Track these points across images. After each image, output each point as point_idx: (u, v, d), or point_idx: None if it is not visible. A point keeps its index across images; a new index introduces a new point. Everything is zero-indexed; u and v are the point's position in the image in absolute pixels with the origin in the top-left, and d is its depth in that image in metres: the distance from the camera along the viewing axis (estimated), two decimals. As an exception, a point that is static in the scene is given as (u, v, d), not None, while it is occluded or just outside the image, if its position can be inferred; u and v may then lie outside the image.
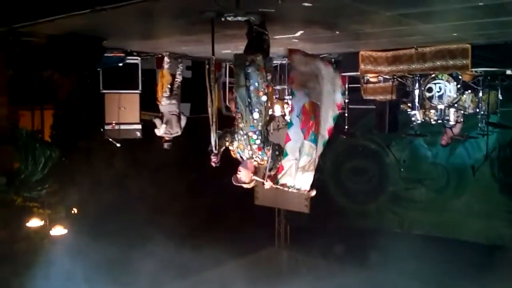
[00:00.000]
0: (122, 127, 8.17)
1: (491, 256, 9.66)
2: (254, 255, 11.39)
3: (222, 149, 4.93)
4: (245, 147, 4.83)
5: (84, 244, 8.70)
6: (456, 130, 8.16)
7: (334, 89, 4.98)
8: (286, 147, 4.75)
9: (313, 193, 5.38)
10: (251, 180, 4.91)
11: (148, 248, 9.07)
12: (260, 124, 4.75)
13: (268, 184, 4.87)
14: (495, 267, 9.11)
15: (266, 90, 4.79)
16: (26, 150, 7.15)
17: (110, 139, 8.22)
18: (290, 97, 4.87)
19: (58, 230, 8.60)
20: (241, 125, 4.80)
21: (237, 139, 4.84)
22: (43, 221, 8.53)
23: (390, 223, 11.57)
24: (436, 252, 9.96)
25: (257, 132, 4.74)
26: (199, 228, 10.13)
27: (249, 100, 4.71)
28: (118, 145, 8.32)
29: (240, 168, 4.89)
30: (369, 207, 11.81)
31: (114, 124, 8.07)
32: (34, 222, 8.43)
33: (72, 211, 9.66)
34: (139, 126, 8.33)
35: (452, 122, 7.76)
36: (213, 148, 4.82)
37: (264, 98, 4.75)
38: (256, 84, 4.70)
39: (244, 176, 4.86)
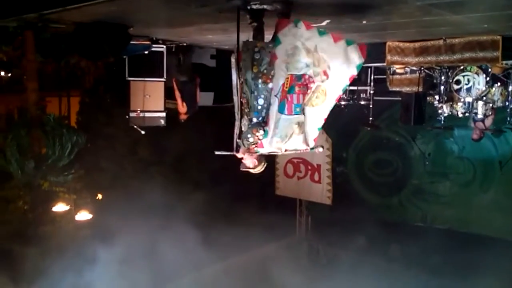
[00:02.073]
0: (147, 114, 8.25)
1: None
2: (275, 244, 11.42)
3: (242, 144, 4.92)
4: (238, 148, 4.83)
5: (108, 229, 8.84)
6: (488, 122, 7.96)
7: (347, 63, 4.82)
8: (266, 128, 4.71)
9: (320, 149, 5.33)
10: (255, 166, 4.92)
11: (169, 235, 9.17)
12: (264, 110, 4.73)
13: (240, 154, 4.84)
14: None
15: (273, 78, 4.76)
16: (54, 136, 7.28)
17: (135, 127, 8.32)
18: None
19: (83, 215, 8.76)
20: (246, 110, 4.79)
21: (243, 125, 4.82)
22: (69, 205, 8.70)
23: (413, 216, 11.47)
24: (459, 247, 9.84)
25: (260, 118, 4.72)
26: (220, 217, 10.19)
27: (255, 86, 4.70)
28: (143, 132, 8.42)
29: (245, 155, 4.90)
30: (392, 200, 11.71)
31: (139, 112, 8.16)
32: (60, 207, 8.60)
33: (97, 197, 9.83)
34: (163, 114, 8.40)
35: (480, 116, 7.61)
36: (236, 137, 4.83)
37: (270, 85, 4.72)
38: (265, 71, 4.68)
39: (248, 162, 4.88)
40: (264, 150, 4.81)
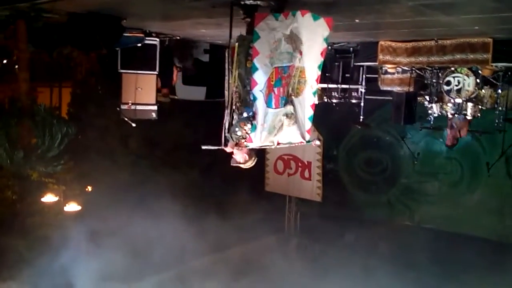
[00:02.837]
0: (138, 107, 8.24)
1: (502, 253, 9.59)
2: (263, 240, 11.46)
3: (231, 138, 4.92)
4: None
5: (97, 221, 8.82)
6: (464, 133, 7.96)
7: (316, 39, 4.83)
8: (254, 122, 4.71)
9: (317, 142, 5.36)
10: (246, 160, 4.93)
11: (158, 228, 9.18)
12: (255, 104, 4.74)
13: (228, 149, 4.85)
14: (506, 265, 9.04)
15: None
16: (44, 126, 7.23)
17: (126, 119, 8.30)
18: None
19: (72, 206, 8.74)
20: (238, 105, 4.81)
21: (235, 118, 4.83)
22: (58, 197, 8.67)
23: (401, 215, 11.55)
24: (446, 246, 9.93)
25: (250, 113, 4.73)
26: (209, 212, 10.20)
27: (247, 80, 4.70)
28: (134, 125, 8.40)
29: (235, 150, 4.91)
30: (380, 199, 11.78)
31: (130, 104, 8.15)
32: (49, 198, 8.58)
33: (86, 188, 9.80)
34: (155, 107, 8.39)
35: (469, 117, 7.68)
36: (226, 131, 4.84)
37: None
38: None
39: (238, 157, 4.89)
40: (254, 145, 4.81)
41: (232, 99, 4.79)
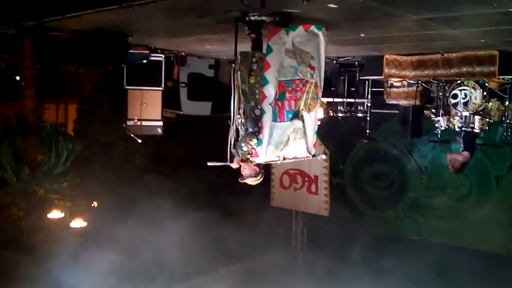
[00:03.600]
0: (144, 123, 8.26)
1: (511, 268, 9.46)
2: (270, 256, 11.37)
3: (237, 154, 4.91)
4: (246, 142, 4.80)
5: (103, 237, 8.80)
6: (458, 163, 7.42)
7: (321, 52, 4.81)
8: (260, 136, 4.69)
9: (323, 156, 5.33)
10: (257, 173, 4.89)
11: (163, 244, 9.13)
12: (261, 120, 4.73)
13: (234, 165, 4.81)
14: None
15: None
16: (50, 143, 7.26)
17: (132, 135, 8.32)
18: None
19: (78, 223, 8.73)
20: (242, 120, 4.80)
21: (240, 135, 4.82)
22: (64, 213, 8.67)
23: (409, 230, 11.41)
24: (454, 261, 9.78)
25: (255, 128, 4.72)
26: (216, 227, 10.15)
27: (252, 96, 4.70)
28: (140, 141, 8.41)
29: (243, 165, 4.87)
30: (388, 213, 11.67)
31: (136, 120, 8.16)
32: (55, 214, 8.57)
33: (92, 205, 9.80)
34: (161, 123, 8.40)
35: (477, 130, 7.60)
36: (232, 147, 4.83)
37: None
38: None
39: (248, 171, 4.85)
40: (260, 159, 4.78)
41: (237, 115, 4.78)
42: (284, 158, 4.91)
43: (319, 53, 4.78)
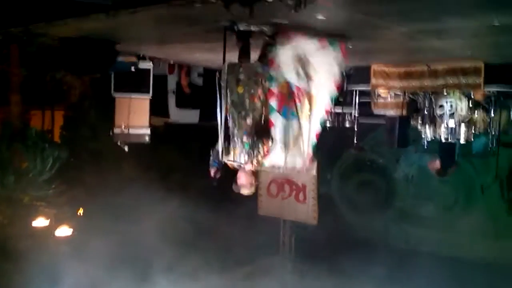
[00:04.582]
0: (131, 131, 8.21)
1: (498, 277, 9.52)
2: (258, 265, 11.32)
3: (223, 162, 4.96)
4: (240, 152, 4.83)
5: (88, 245, 8.71)
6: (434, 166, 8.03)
7: (332, 70, 4.89)
8: (271, 133, 4.76)
9: (313, 172, 5.47)
10: (252, 184, 4.92)
11: (150, 252, 9.06)
12: (254, 129, 4.75)
13: (248, 166, 4.84)
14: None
15: (261, 97, 4.81)
16: (35, 150, 7.21)
17: (119, 143, 8.26)
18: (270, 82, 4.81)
19: (64, 230, 8.63)
20: (235, 132, 4.82)
21: (232, 147, 4.84)
22: (49, 220, 8.57)
23: (397, 239, 11.47)
24: (442, 270, 9.83)
25: (249, 137, 4.75)
26: (202, 236, 10.10)
27: (242, 106, 4.74)
28: (126, 149, 8.36)
29: (240, 173, 4.90)
30: (375, 222, 11.72)
31: (123, 128, 8.12)
32: (40, 221, 8.46)
33: (78, 212, 9.69)
34: (148, 131, 8.36)
35: (462, 141, 7.70)
36: (220, 156, 4.84)
37: (258, 104, 4.78)
38: (252, 90, 4.73)
39: (244, 180, 4.87)
40: (267, 162, 4.80)
41: (225, 125, 4.80)
42: (286, 168, 4.96)
43: (326, 67, 4.84)
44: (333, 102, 5.07)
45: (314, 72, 4.79)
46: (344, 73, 8.54)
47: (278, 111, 4.79)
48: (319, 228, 11.28)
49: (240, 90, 4.72)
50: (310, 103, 4.88)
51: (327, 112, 5.02)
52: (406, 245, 11.28)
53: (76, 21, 4.87)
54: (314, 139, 4.99)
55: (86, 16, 4.69)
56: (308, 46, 4.77)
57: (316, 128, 5.00)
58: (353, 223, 12.01)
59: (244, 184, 4.90)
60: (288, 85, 4.76)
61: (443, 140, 7.83)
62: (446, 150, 7.95)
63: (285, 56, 4.75)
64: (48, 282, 7.92)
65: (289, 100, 4.78)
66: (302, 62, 4.75)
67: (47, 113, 9.81)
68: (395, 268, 9.89)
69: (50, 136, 9.17)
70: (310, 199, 11.39)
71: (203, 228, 10.41)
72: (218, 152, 4.89)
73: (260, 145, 4.71)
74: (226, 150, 4.88)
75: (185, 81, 9.30)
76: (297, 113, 4.83)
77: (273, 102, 4.81)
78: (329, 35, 4.90)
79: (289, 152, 4.90)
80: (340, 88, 5.07)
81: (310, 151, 5.01)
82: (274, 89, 4.81)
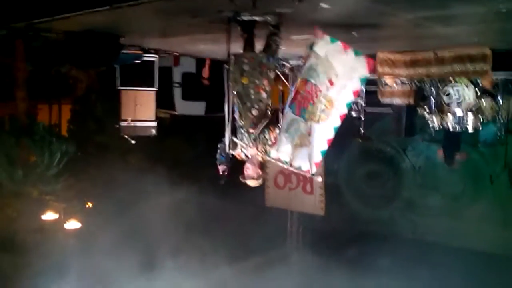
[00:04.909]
0: (138, 124, 8.24)
1: (507, 267, 9.48)
2: (265, 256, 11.35)
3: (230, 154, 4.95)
4: (247, 144, 4.81)
5: (97, 237, 8.76)
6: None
7: (352, 73, 4.80)
8: (281, 122, 4.72)
9: (319, 179, 5.36)
10: (259, 176, 4.90)
11: (159, 244, 9.11)
12: (260, 120, 4.74)
13: (252, 150, 4.81)
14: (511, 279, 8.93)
15: (267, 88, 4.79)
16: (43, 145, 7.27)
17: (125, 136, 8.29)
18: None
19: (72, 224, 8.70)
20: (241, 123, 4.80)
21: (239, 138, 4.82)
22: (58, 214, 8.64)
23: (404, 229, 11.43)
24: (450, 260, 9.80)
25: (255, 129, 4.73)
26: (210, 227, 10.13)
27: (247, 97, 4.72)
28: (133, 142, 8.40)
29: (247, 164, 4.88)
30: (382, 212, 11.68)
31: (129, 121, 8.14)
32: (49, 215, 8.54)
33: (87, 205, 9.76)
34: (155, 124, 8.39)
35: (470, 129, 7.62)
36: (227, 149, 4.84)
37: (264, 95, 4.77)
38: (256, 81, 4.70)
39: (252, 171, 4.86)
40: (273, 154, 4.75)
41: (232, 117, 4.79)
42: (291, 165, 4.88)
43: (349, 76, 4.75)
44: (347, 107, 4.97)
45: (335, 77, 4.72)
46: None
47: (289, 105, 4.72)
48: (326, 218, 11.27)
49: (245, 81, 4.71)
50: (327, 108, 4.80)
51: (341, 118, 4.92)
52: (413, 235, 11.25)
53: (80, 15, 4.86)
54: (325, 146, 4.88)
55: (90, 10, 4.68)
56: (332, 48, 4.67)
57: (329, 135, 4.89)
58: (360, 213, 11.98)
59: (252, 175, 4.88)
60: (305, 82, 4.67)
61: (451, 129, 7.75)
62: (449, 138, 7.87)
63: (315, 55, 4.64)
64: (57, 275, 7.99)
65: (302, 97, 4.67)
66: (325, 64, 4.68)
67: (54, 107, 9.87)
68: (402, 258, 9.88)
69: (57, 130, 9.22)
70: (317, 189, 11.36)
71: (210, 220, 10.45)
72: (225, 145, 4.88)
73: (266, 131, 4.70)
74: (233, 144, 4.87)
75: (207, 73, 9.21)
76: (308, 113, 4.73)
77: (290, 96, 4.69)
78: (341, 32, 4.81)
79: (295, 150, 4.81)
80: (357, 94, 4.94)
81: (319, 158, 4.91)
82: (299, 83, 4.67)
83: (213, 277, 9.84)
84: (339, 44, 4.64)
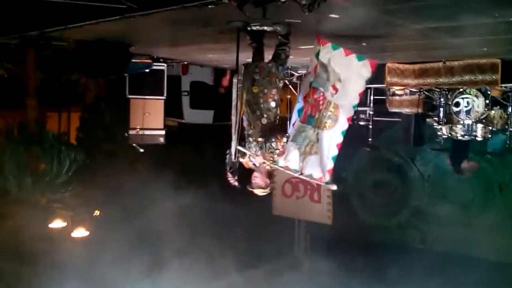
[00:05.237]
0: (146, 132, 8.27)
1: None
2: (273, 265, 11.30)
3: (237, 164, 4.95)
4: (255, 153, 4.82)
5: (105, 246, 8.76)
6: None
7: (357, 80, 4.82)
8: (289, 130, 4.75)
9: (334, 187, 5.32)
10: (267, 185, 4.90)
11: (166, 252, 9.10)
12: (268, 129, 4.75)
13: (259, 159, 4.81)
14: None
15: (275, 97, 4.80)
16: (52, 153, 7.30)
17: (134, 145, 8.32)
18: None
19: (80, 232, 8.70)
20: (249, 132, 4.81)
21: (247, 147, 4.83)
22: (66, 222, 8.65)
23: (412, 238, 11.36)
24: (459, 270, 9.73)
25: (264, 138, 4.74)
26: (218, 236, 10.11)
27: (256, 106, 4.73)
28: (142, 150, 8.42)
29: (255, 173, 4.88)
30: (391, 222, 11.62)
31: (138, 129, 8.18)
32: (57, 223, 8.56)
33: (95, 214, 9.78)
34: (163, 132, 8.42)
35: (479, 138, 7.59)
36: (232, 157, 4.84)
37: (273, 104, 4.77)
38: (266, 90, 4.73)
39: (260, 180, 4.86)
40: (281, 162, 4.76)
41: (240, 125, 4.79)
42: (302, 173, 4.89)
43: (349, 78, 4.78)
44: (354, 109, 4.99)
45: (338, 82, 4.74)
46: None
47: (297, 114, 4.74)
48: (334, 228, 11.23)
49: (256, 90, 4.73)
50: (333, 114, 4.82)
51: (349, 120, 4.94)
52: (422, 244, 11.18)
53: (93, 24, 4.91)
54: (335, 151, 4.89)
55: (103, 19, 4.72)
56: (334, 54, 4.70)
57: (338, 140, 4.90)
58: (368, 222, 11.92)
59: (260, 184, 4.88)
60: (314, 90, 4.70)
61: (459, 138, 7.72)
62: (457, 146, 7.85)
63: (321, 63, 4.68)
64: (65, 283, 7.99)
65: (310, 105, 4.70)
66: (328, 71, 4.71)
67: (63, 115, 9.94)
68: (410, 268, 9.81)
69: (66, 138, 9.27)
70: (324, 198, 11.33)
71: (218, 228, 10.43)
72: (231, 154, 4.88)
73: (273, 140, 4.70)
74: (242, 152, 4.88)
75: (227, 83, 9.29)
76: (315, 121, 4.75)
77: (298, 103, 4.77)
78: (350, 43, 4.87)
79: (305, 158, 4.82)
80: (361, 96, 4.99)
81: (331, 164, 4.91)
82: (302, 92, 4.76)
83: (220, 284, 9.82)
84: (341, 50, 4.69)
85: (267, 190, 4.96)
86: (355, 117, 9.32)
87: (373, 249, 10.80)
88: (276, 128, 4.87)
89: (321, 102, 4.75)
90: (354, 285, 9.85)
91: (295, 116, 4.78)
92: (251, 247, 10.32)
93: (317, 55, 4.66)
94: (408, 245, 11.17)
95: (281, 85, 4.93)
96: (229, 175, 4.91)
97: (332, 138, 4.83)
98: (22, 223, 8.75)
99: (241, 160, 4.95)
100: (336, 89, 4.76)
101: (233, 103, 4.86)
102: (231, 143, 4.90)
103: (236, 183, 4.93)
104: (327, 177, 4.92)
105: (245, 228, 10.75)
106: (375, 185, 11.86)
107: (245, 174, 5.12)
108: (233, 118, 4.87)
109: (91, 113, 10.20)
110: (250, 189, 4.93)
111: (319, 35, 4.69)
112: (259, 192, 4.95)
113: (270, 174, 4.93)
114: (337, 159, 4.92)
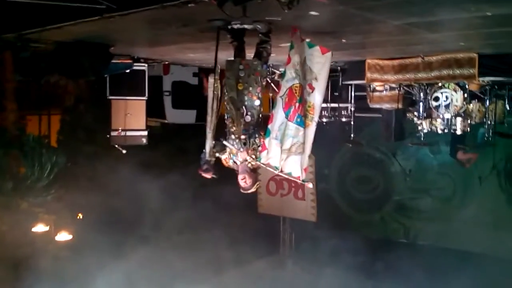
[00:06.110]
0: (128, 133, 8.22)
1: (497, 269, 9.55)
2: (258, 263, 11.33)
3: (213, 161, 4.95)
4: (237, 151, 4.83)
5: (89, 248, 8.68)
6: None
7: (325, 74, 4.78)
8: (269, 126, 4.71)
9: (310, 185, 5.36)
10: (255, 181, 4.93)
11: (150, 255, 9.05)
12: (251, 127, 4.77)
13: (243, 155, 4.81)
14: (502, 280, 8.99)
15: (259, 94, 4.83)
16: (33, 156, 7.18)
17: (116, 146, 8.26)
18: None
19: (63, 236, 8.60)
20: (232, 129, 4.82)
21: (228, 144, 4.83)
22: (48, 226, 8.53)
23: (395, 232, 11.50)
24: (441, 263, 9.88)
25: (247, 135, 4.75)
26: (202, 236, 10.09)
27: (241, 103, 4.75)
28: (124, 151, 8.36)
29: (241, 175, 4.88)
30: (374, 216, 11.75)
31: (120, 131, 8.12)
32: (39, 227, 8.43)
33: (78, 217, 9.67)
34: (145, 133, 8.37)
35: (459, 132, 7.72)
36: (207, 156, 4.85)
37: (257, 102, 4.81)
38: (250, 88, 4.74)
39: (248, 181, 4.88)
40: (264, 156, 4.75)
41: (214, 124, 4.79)
42: (282, 171, 4.89)
43: (324, 76, 4.80)
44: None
45: (315, 81, 4.76)
46: (338, 68, 8.59)
47: (284, 110, 4.71)
48: (318, 224, 11.30)
49: (240, 87, 4.74)
50: (311, 113, 4.83)
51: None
52: (406, 238, 11.31)
53: (72, 25, 4.86)
54: (310, 150, 4.92)
55: (82, 20, 4.68)
56: (310, 52, 4.70)
57: (312, 139, 4.93)
58: (352, 218, 12.02)
59: (250, 185, 4.91)
60: (301, 87, 4.68)
61: (439, 132, 7.84)
62: (453, 139, 8.12)
63: (296, 52, 4.66)
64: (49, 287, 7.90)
65: (299, 103, 4.68)
66: (306, 69, 4.72)
67: (44, 118, 9.78)
68: (394, 262, 9.92)
69: (47, 141, 9.12)
70: (308, 195, 11.40)
71: (203, 227, 10.41)
72: (205, 153, 4.88)
73: (257, 136, 4.72)
74: (221, 148, 4.89)
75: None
76: (305, 120, 4.74)
77: (280, 99, 4.68)
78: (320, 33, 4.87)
79: (288, 156, 4.82)
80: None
81: (307, 161, 4.94)
82: (286, 86, 4.67)
83: (206, 284, 9.82)
84: (317, 48, 4.71)
85: (255, 187, 4.98)
86: (336, 114, 9.43)
87: (356, 244, 10.88)
88: (260, 125, 4.89)
89: (303, 100, 4.76)
90: (339, 280, 9.92)
91: (281, 115, 4.74)
92: (236, 244, 10.32)
93: (291, 46, 4.66)
94: (392, 239, 11.30)
95: (264, 83, 4.96)
96: (203, 173, 4.92)
97: (309, 136, 4.87)
98: (3, 228, 8.62)
99: (221, 157, 4.96)
100: (312, 88, 4.79)
101: (209, 103, 4.86)
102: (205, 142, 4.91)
103: (210, 176, 4.92)
104: (304, 175, 4.95)
105: (229, 225, 10.75)
106: (358, 181, 11.97)
107: (225, 170, 5.12)
108: (208, 118, 4.87)
109: (72, 115, 10.06)
110: (246, 191, 4.95)
111: (295, 28, 4.67)
112: (252, 190, 4.98)
113: (254, 171, 4.96)
114: (320, 156, 4.96)
